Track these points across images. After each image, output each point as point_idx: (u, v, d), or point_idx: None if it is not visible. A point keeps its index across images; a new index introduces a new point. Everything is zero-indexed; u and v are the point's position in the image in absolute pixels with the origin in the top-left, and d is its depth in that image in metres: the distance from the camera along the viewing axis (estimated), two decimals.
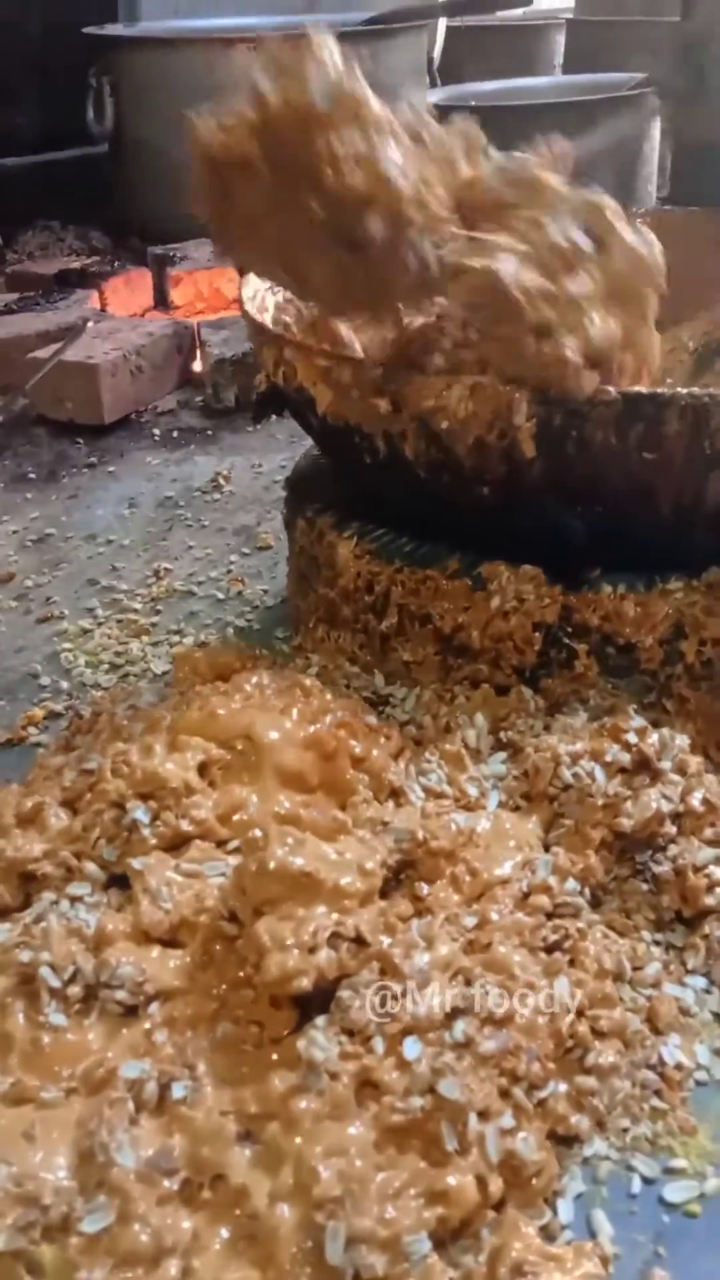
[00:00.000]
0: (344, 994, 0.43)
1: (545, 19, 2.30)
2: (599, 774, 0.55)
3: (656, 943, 0.53)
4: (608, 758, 0.55)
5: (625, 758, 0.55)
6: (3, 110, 2.02)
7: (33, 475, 1.13)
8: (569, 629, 0.61)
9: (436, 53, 1.95)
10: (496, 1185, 0.41)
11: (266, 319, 0.73)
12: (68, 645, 0.82)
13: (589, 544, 0.60)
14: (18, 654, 0.82)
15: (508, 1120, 0.42)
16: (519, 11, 2.52)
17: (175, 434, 1.20)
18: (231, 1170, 0.41)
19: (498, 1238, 0.40)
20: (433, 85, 1.91)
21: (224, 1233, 0.40)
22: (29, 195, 2.04)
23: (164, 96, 1.79)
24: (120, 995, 0.46)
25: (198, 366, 1.30)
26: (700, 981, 0.52)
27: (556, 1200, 0.43)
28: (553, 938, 0.50)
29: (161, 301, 1.57)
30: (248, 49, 1.70)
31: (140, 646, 0.82)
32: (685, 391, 0.54)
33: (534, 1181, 0.42)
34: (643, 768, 0.55)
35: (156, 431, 1.20)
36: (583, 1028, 0.46)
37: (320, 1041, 0.42)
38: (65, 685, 0.78)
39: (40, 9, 2.00)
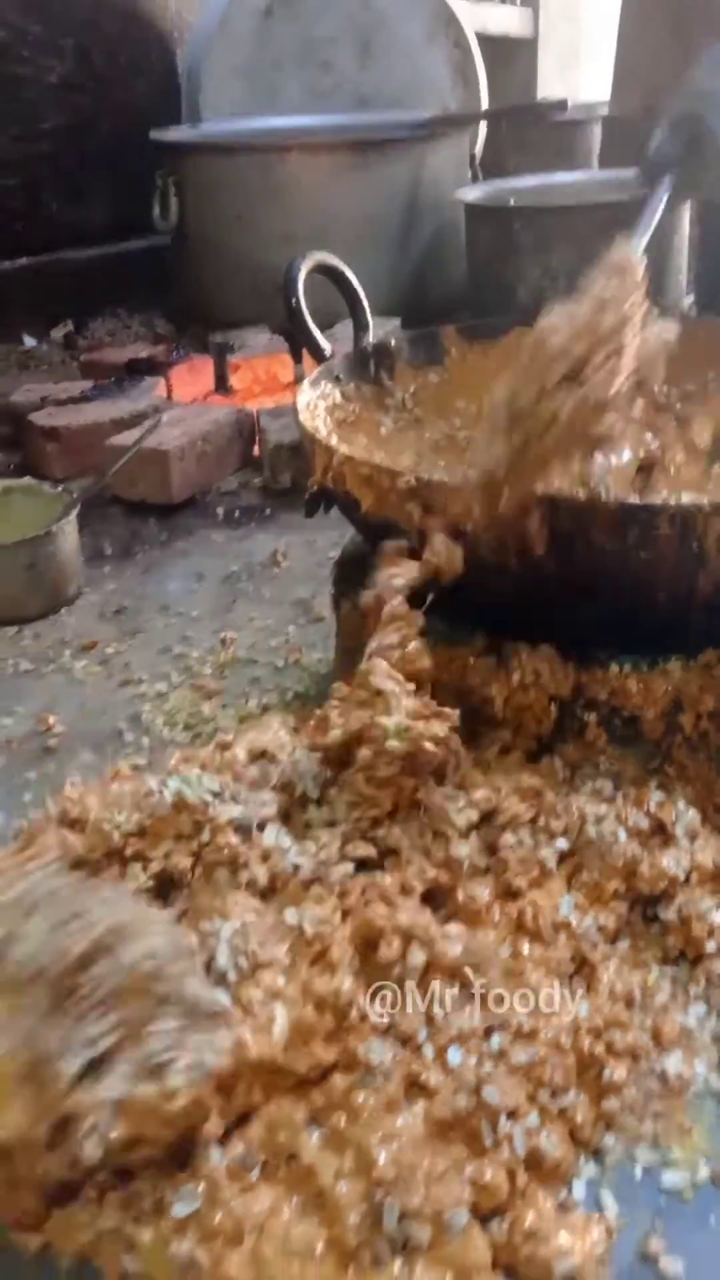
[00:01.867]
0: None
1: (584, 115, 2.43)
2: (622, 834, 0.64)
3: (664, 975, 0.62)
4: (630, 822, 0.65)
5: (645, 823, 0.64)
6: (76, 207, 2.19)
7: (110, 551, 1.25)
8: (581, 701, 0.71)
9: (479, 149, 2.09)
10: (523, 1178, 0.50)
11: (319, 426, 0.85)
12: (147, 707, 0.94)
13: (597, 628, 0.70)
14: (103, 714, 0.94)
15: (534, 1120, 0.51)
16: None
17: (237, 513, 1.32)
18: (303, 1152, 0.50)
19: (521, 1208, 0.49)
20: (474, 180, 2.04)
21: (295, 1202, 0.49)
22: (98, 284, 2.21)
23: (224, 196, 1.95)
24: None
25: (256, 450, 1.43)
26: (701, 1008, 0.61)
27: (571, 1182, 0.52)
28: (573, 967, 0.59)
29: (222, 385, 1.70)
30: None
31: (210, 708, 0.93)
32: (674, 502, 0.64)
33: (554, 1170, 0.51)
34: (659, 832, 0.65)
35: (220, 510, 1.33)
36: (599, 1048, 0.55)
37: (377, 1047, 0.52)
38: (146, 742, 0.89)
39: (110, 113, 2.17)
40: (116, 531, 1.29)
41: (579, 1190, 0.51)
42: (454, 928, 0.56)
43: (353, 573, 0.87)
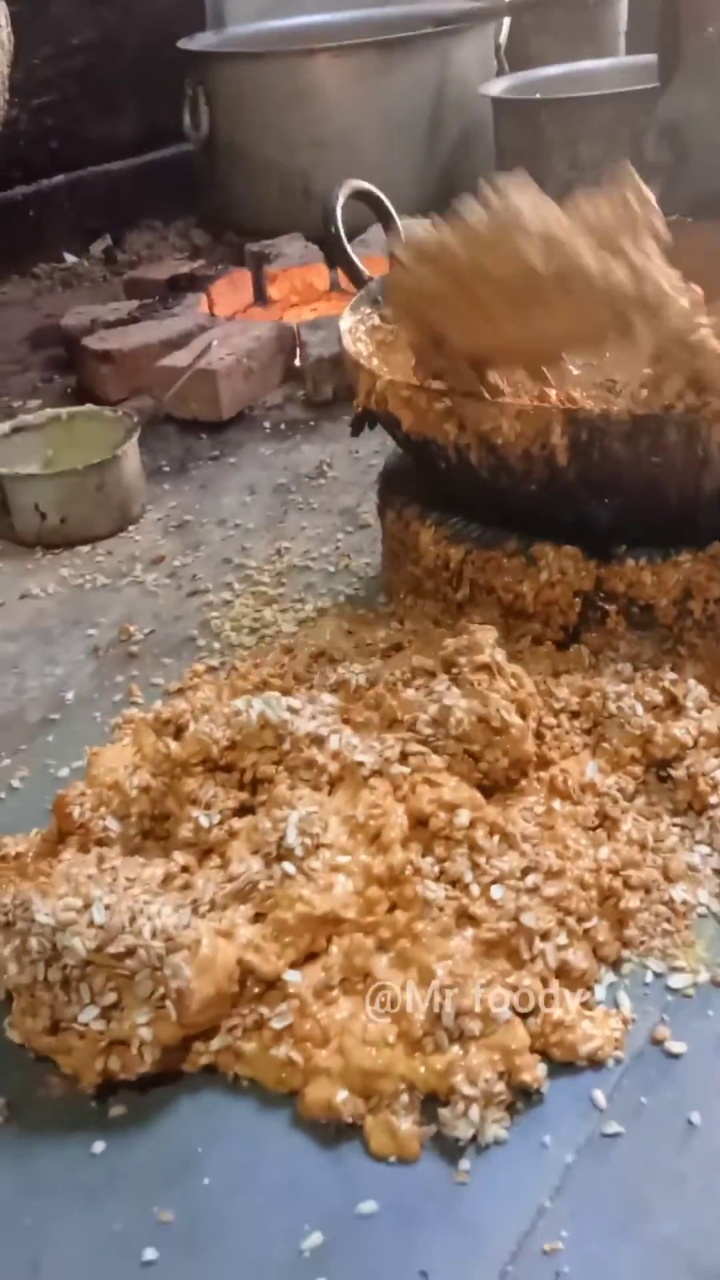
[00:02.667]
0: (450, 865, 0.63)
1: None
2: (639, 709, 0.75)
3: (674, 824, 0.73)
4: (646, 697, 0.75)
5: (659, 698, 0.74)
6: (108, 121, 2.22)
7: (166, 468, 1.35)
8: (602, 594, 0.81)
9: (503, 38, 2.08)
10: (554, 984, 0.61)
11: (361, 350, 0.93)
12: (215, 614, 1.04)
13: (615, 527, 0.79)
14: (176, 622, 1.05)
15: (562, 939, 0.62)
16: None
17: (283, 426, 1.41)
18: (375, 970, 0.61)
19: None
20: (500, 72, 2.04)
21: (371, 1011, 0.61)
22: (132, 196, 2.25)
23: (253, 103, 1.98)
24: None
25: (298, 362, 1.50)
26: (705, 849, 0.71)
27: (594, 987, 0.64)
28: (598, 821, 0.70)
29: (260, 297, 1.77)
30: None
31: (271, 613, 1.03)
32: (679, 411, 0.73)
33: (580, 978, 0.62)
34: (671, 704, 0.75)
35: (267, 424, 1.41)
36: (617, 882, 0.66)
37: (432, 887, 0.63)
38: (217, 646, 1.00)
39: (137, 24, 2.19)
40: (172, 449, 1.38)
41: (600, 993, 0.63)
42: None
43: (395, 484, 0.96)
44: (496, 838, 0.64)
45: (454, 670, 0.72)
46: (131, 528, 1.22)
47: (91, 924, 0.58)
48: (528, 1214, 0.53)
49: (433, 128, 1.98)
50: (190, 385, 1.39)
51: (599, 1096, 0.58)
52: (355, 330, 0.95)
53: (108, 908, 0.58)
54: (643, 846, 0.69)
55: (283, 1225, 0.53)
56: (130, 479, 1.22)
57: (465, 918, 0.62)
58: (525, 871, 0.63)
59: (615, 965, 0.65)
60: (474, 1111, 0.55)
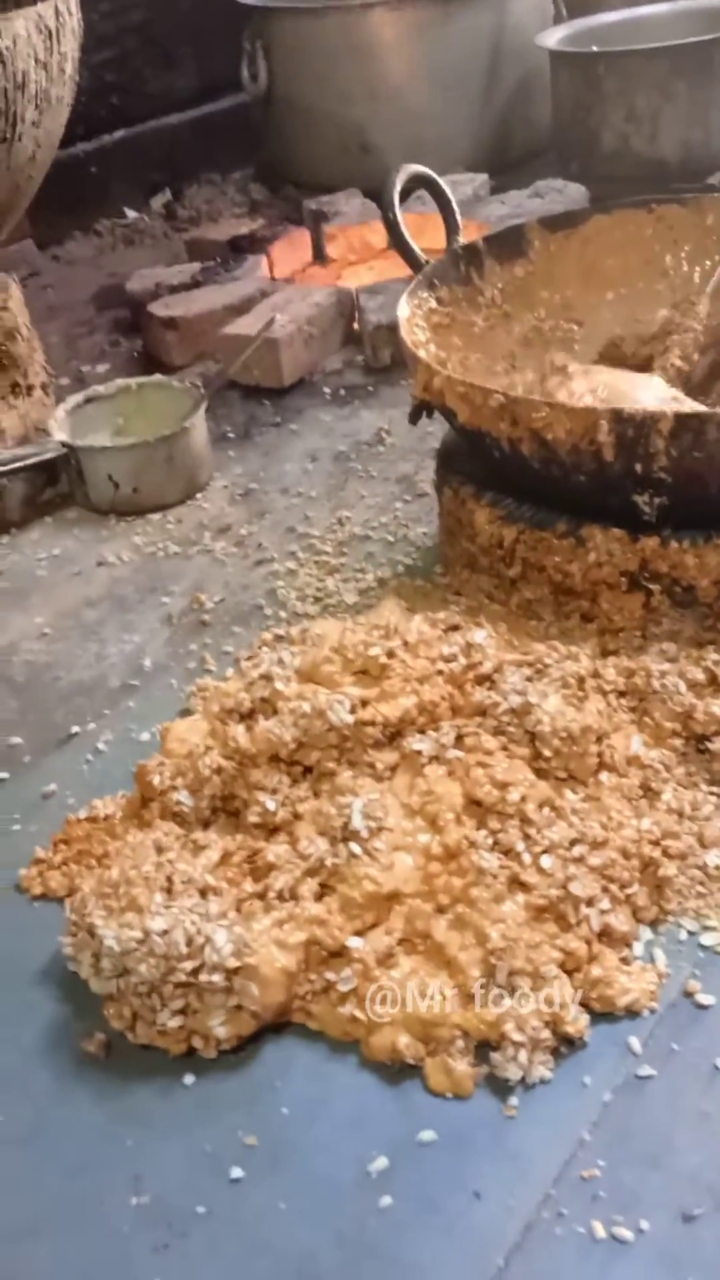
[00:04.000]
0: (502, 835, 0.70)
1: None
2: (681, 686, 0.80)
3: (711, 793, 0.79)
4: (689, 675, 0.80)
5: (701, 676, 0.80)
6: (166, 74, 2.24)
7: (231, 435, 1.40)
8: (646, 574, 0.86)
9: None
10: (597, 945, 0.68)
11: (419, 339, 0.97)
12: (280, 584, 1.10)
13: (659, 514, 0.84)
14: (244, 590, 1.11)
15: (606, 904, 0.69)
16: None
17: (342, 392, 1.45)
18: (435, 932, 0.68)
19: (594, 964, 0.67)
20: (557, 19, 2.02)
21: (429, 968, 0.68)
22: (190, 149, 2.27)
23: (310, 56, 1.99)
24: None
25: (356, 326, 1.54)
26: None
27: (632, 945, 0.70)
28: (641, 792, 0.76)
29: (319, 256, 1.80)
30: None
31: (334, 583, 1.09)
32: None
33: (620, 939, 0.69)
34: (712, 682, 0.80)
35: (327, 390, 1.46)
36: (657, 851, 0.73)
37: (487, 857, 0.69)
38: (283, 614, 1.06)
39: None
40: (235, 416, 1.43)
41: (638, 950, 0.69)
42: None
43: (452, 462, 1.01)
44: (546, 810, 0.70)
45: (544, 667, 0.77)
46: (199, 495, 1.28)
47: (153, 952, 0.64)
48: (569, 1145, 0.61)
49: (489, 79, 1.98)
50: (254, 353, 1.43)
51: (634, 1043, 0.65)
52: (413, 318, 0.99)
53: (164, 934, 0.64)
54: (680, 815, 0.74)
55: (352, 1150, 0.61)
56: (198, 449, 1.28)
57: (517, 885, 0.68)
58: (573, 842, 0.69)
59: (653, 925, 0.71)
60: (522, 1055, 0.62)
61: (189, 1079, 0.65)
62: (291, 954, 0.65)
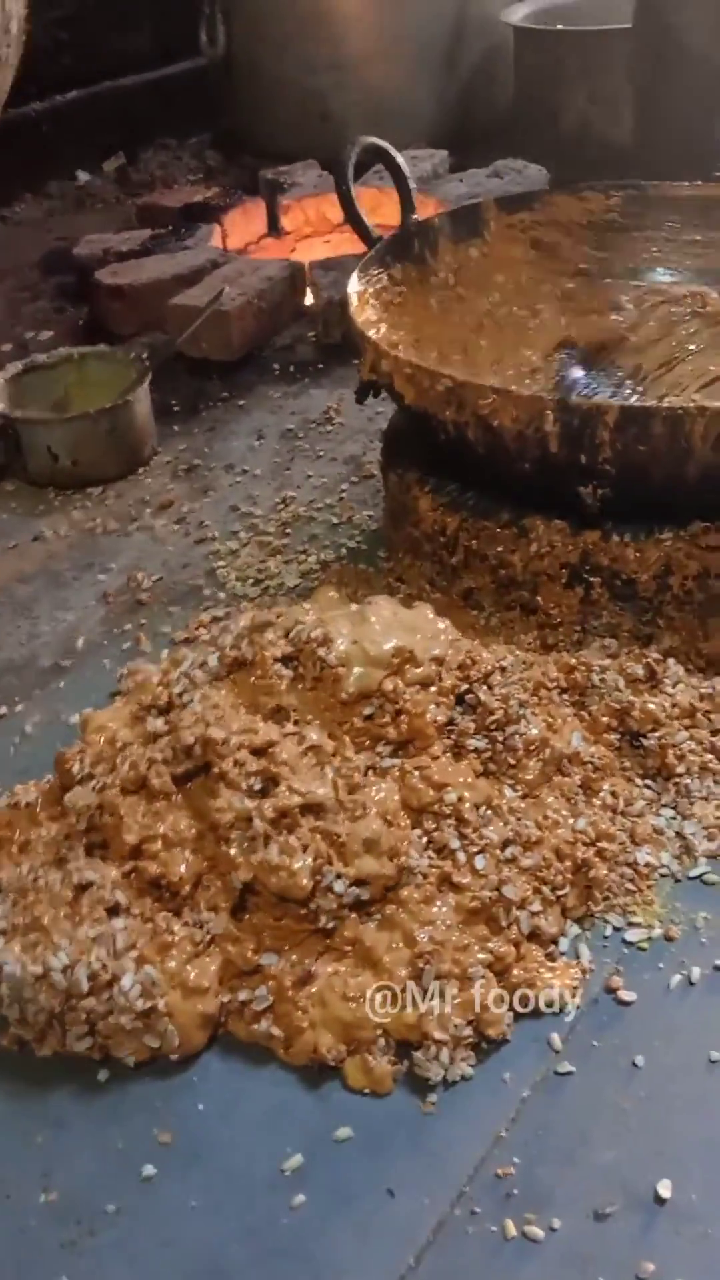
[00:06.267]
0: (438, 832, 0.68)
1: None
2: (620, 683, 0.79)
3: (647, 786, 0.78)
4: (628, 671, 0.80)
5: (640, 671, 0.79)
6: (122, 35, 2.18)
7: (176, 408, 1.37)
8: (587, 567, 0.85)
9: None
10: (525, 947, 0.67)
11: (369, 317, 0.95)
12: (221, 564, 1.08)
13: (601, 505, 0.83)
14: (184, 569, 1.09)
15: (536, 906, 0.68)
16: None
17: (292, 368, 1.43)
18: (363, 935, 0.66)
19: (520, 963, 0.66)
20: None
21: (354, 969, 0.66)
22: (146, 112, 2.22)
23: (272, 22, 1.95)
24: None
25: (308, 300, 1.51)
26: (669, 812, 0.77)
27: (558, 940, 0.70)
28: (579, 783, 0.75)
29: (274, 228, 1.77)
30: None
31: (276, 564, 1.07)
32: (665, 405, 0.76)
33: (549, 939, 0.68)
34: (651, 679, 0.80)
35: (276, 366, 1.43)
36: (591, 854, 0.72)
37: (415, 856, 0.68)
38: (222, 595, 1.04)
39: None
40: (182, 389, 1.40)
41: (563, 945, 0.69)
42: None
43: (398, 446, 1.00)
44: (484, 809, 0.69)
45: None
46: (141, 470, 1.26)
47: (54, 987, 0.62)
48: (485, 1142, 0.60)
49: (453, 52, 1.95)
50: (203, 325, 1.40)
51: (555, 1039, 0.65)
52: (364, 295, 0.97)
53: (66, 970, 0.61)
54: (614, 812, 0.74)
55: (267, 1147, 0.60)
56: (141, 422, 1.25)
57: (449, 885, 0.67)
58: (506, 843, 0.68)
59: (579, 921, 0.71)
60: (444, 1054, 0.62)
61: (103, 1075, 0.64)
62: (209, 995, 0.63)
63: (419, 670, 0.72)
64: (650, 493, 0.82)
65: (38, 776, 0.84)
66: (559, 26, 1.78)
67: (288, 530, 1.13)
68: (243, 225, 1.73)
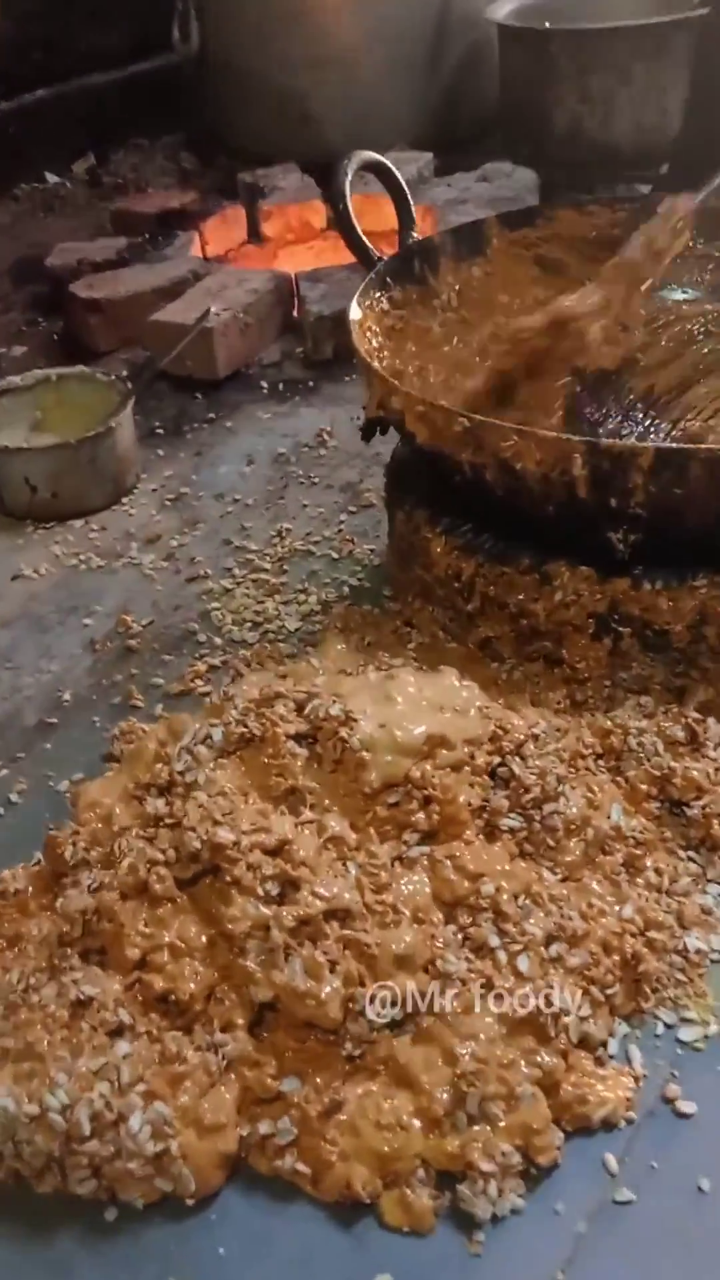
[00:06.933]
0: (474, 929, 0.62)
1: None
2: (659, 746, 0.73)
3: (691, 859, 0.72)
4: (667, 733, 0.74)
5: (680, 734, 0.73)
6: (94, 31, 2.09)
7: (160, 431, 1.30)
8: (616, 616, 0.79)
9: None
10: (574, 1055, 0.61)
11: (373, 346, 0.89)
12: (215, 605, 1.01)
13: (632, 550, 0.77)
14: (175, 611, 1.02)
15: (585, 1010, 0.61)
16: None
17: (281, 386, 1.36)
18: (397, 1053, 0.59)
19: (569, 1075, 0.60)
20: None
21: (387, 1089, 0.58)
22: (118, 111, 2.14)
23: (248, 18, 1.87)
24: None
25: (296, 314, 1.44)
26: (716, 889, 0.71)
27: (607, 1041, 0.64)
28: (622, 861, 0.69)
29: (254, 235, 1.70)
30: None
31: (274, 605, 1.00)
32: (705, 447, 0.70)
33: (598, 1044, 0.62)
34: (691, 741, 0.74)
35: (264, 384, 1.36)
36: (640, 944, 0.65)
37: (452, 960, 0.61)
38: (219, 641, 0.97)
39: None
40: (165, 410, 1.33)
41: (613, 1046, 0.63)
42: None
43: (404, 480, 0.93)
44: (523, 898, 0.63)
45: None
46: (125, 499, 1.19)
47: (51, 1129, 0.55)
48: None
49: (437, 50, 1.88)
50: (187, 343, 1.33)
51: (611, 1160, 0.58)
52: (364, 323, 0.90)
53: (65, 1110, 0.55)
54: (660, 891, 0.68)
55: None
56: (124, 449, 1.18)
57: (489, 990, 0.61)
58: (551, 939, 0.62)
59: (627, 1018, 0.65)
60: (491, 1187, 0.56)
61: (111, 1214, 0.57)
62: (227, 1132, 0.56)
63: (451, 755, 0.65)
64: (685, 536, 0.76)
65: (26, 855, 0.77)
66: (547, 25, 1.71)
67: (285, 567, 1.06)
68: (222, 232, 1.66)
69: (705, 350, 1.06)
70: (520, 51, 1.77)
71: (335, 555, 1.06)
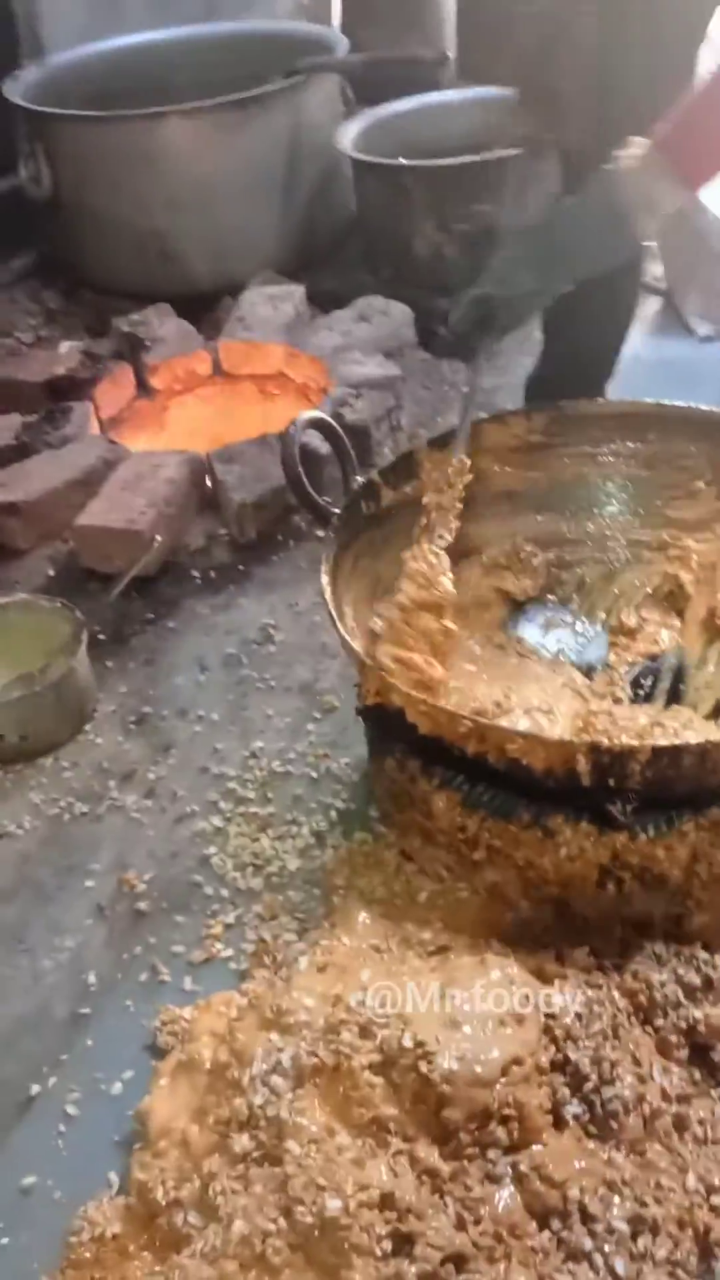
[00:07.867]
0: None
1: None
2: (680, 994, 0.81)
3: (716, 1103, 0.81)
4: (685, 979, 0.82)
5: (696, 979, 0.82)
6: None
7: (102, 636, 1.31)
8: (617, 863, 0.87)
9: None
10: None
11: (357, 633, 0.95)
12: (212, 849, 1.05)
13: (627, 811, 0.85)
14: (173, 860, 1.05)
15: None
16: None
17: (213, 574, 1.39)
18: None
19: None
20: (347, 106, 1.98)
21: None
22: None
23: (102, 164, 1.88)
24: None
25: (209, 486, 1.47)
26: None
27: None
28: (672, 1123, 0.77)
29: (142, 386, 1.72)
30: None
31: (269, 842, 1.04)
32: (694, 743, 0.79)
33: None
34: (708, 985, 0.82)
35: (196, 574, 1.38)
36: (707, 1213, 0.72)
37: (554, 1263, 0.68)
38: (225, 894, 1.01)
39: None
40: (102, 612, 1.34)
41: None
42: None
43: (387, 724, 0.99)
44: (602, 1188, 0.71)
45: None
46: (88, 726, 1.20)
47: None
48: None
49: (290, 178, 1.92)
50: (112, 543, 1.35)
51: None
52: (337, 590, 0.95)
53: None
54: (706, 1142, 0.77)
55: None
56: (83, 678, 1.20)
57: None
58: (635, 1232, 0.69)
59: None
60: None
61: None
62: None
63: (523, 1069, 0.72)
64: (674, 799, 0.84)
65: (99, 1178, 0.80)
66: (402, 160, 1.78)
67: (268, 794, 1.10)
68: (113, 394, 1.67)
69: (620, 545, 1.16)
70: (374, 181, 1.84)
71: (314, 774, 1.11)
